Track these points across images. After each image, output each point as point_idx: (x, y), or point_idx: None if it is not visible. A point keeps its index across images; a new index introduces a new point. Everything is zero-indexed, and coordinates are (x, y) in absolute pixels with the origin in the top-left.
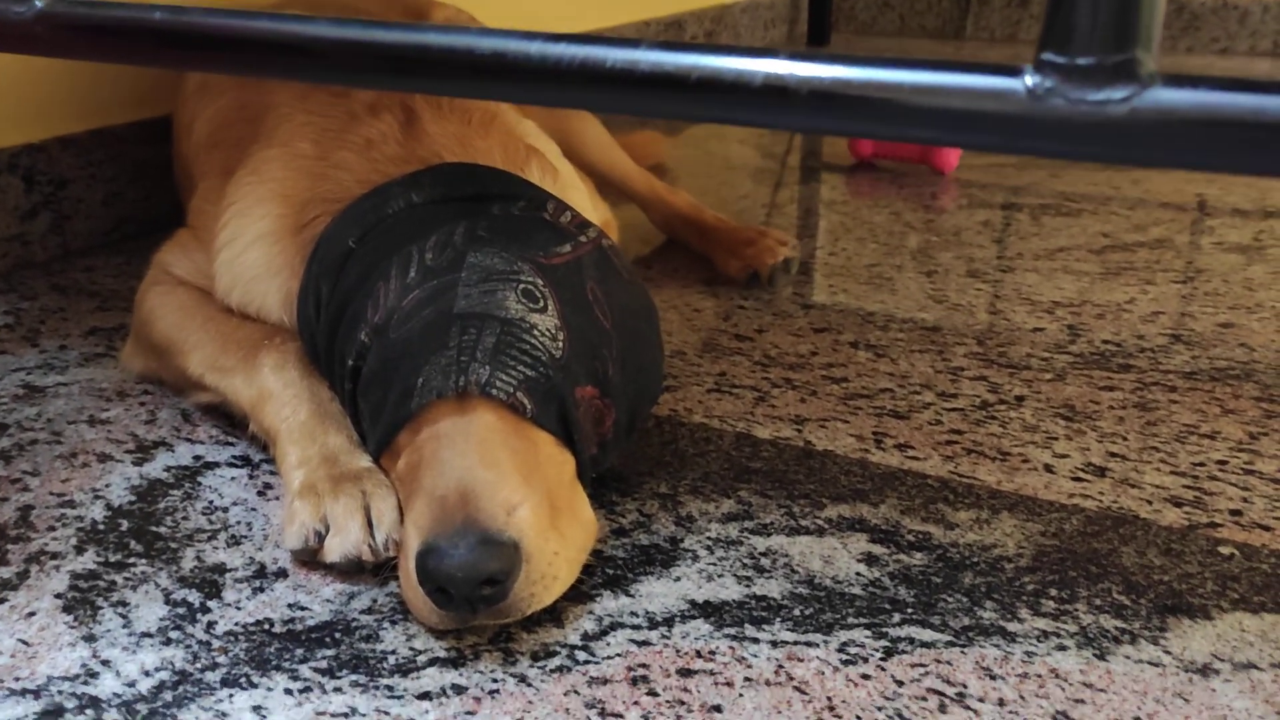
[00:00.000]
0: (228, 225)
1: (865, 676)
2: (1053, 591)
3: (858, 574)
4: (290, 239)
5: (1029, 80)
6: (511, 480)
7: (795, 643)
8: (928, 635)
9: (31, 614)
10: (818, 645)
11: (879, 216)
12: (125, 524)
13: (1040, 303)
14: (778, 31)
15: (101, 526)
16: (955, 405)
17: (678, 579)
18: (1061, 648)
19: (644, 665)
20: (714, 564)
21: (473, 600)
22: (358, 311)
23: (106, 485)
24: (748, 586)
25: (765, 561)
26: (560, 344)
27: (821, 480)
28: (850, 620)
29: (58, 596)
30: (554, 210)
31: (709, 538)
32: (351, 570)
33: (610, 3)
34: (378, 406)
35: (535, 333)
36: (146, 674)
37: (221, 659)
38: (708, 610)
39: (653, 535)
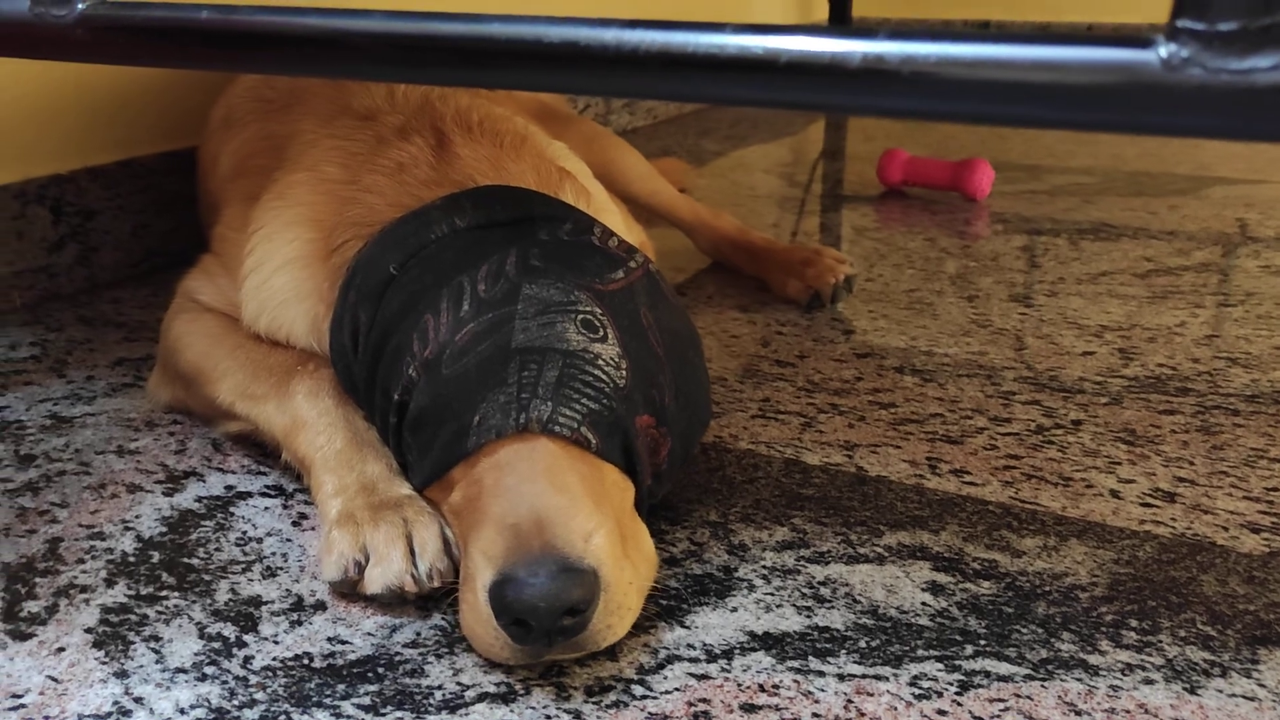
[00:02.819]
0: (254, 250)
1: (941, 712)
2: (1133, 622)
3: (924, 604)
4: (320, 264)
5: (1163, 51)
6: (585, 506)
7: (864, 676)
8: (1004, 668)
9: (61, 649)
10: (887, 679)
11: (914, 243)
12: (156, 556)
13: (1088, 326)
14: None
15: (132, 559)
16: (1010, 430)
17: (734, 609)
18: (1148, 681)
19: (704, 700)
20: (771, 594)
21: (551, 632)
22: (402, 345)
23: (136, 516)
24: (809, 617)
25: (825, 591)
26: (624, 373)
27: (877, 507)
28: (920, 652)
29: (88, 631)
30: (601, 234)
31: (764, 566)
32: (393, 602)
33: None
34: (428, 443)
35: (600, 363)
36: (181, 712)
37: (259, 695)
38: (768, 642)
39: (705, 564)
